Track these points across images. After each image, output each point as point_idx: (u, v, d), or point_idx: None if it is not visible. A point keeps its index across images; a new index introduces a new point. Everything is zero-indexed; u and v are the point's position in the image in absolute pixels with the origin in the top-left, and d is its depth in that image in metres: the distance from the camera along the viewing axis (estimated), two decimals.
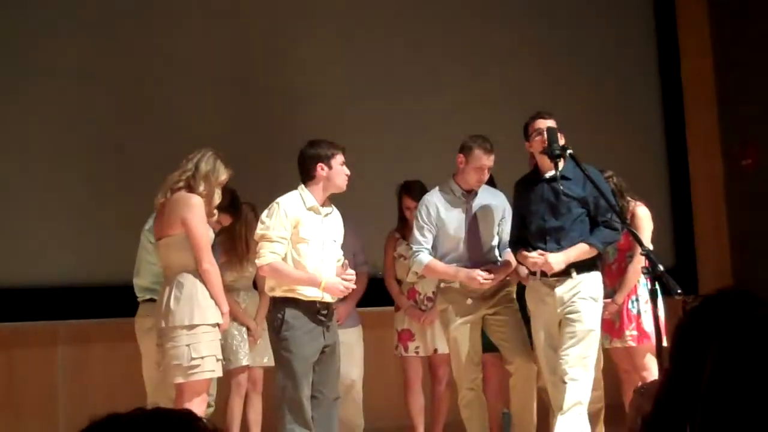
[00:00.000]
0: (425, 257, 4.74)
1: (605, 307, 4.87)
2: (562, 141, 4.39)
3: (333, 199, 4.48)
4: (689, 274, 7.23)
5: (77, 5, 6.03)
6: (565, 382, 4.32)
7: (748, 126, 7.56)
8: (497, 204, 4.84)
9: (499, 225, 4.83)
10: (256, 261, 4.36)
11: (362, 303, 5.32)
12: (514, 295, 4.90)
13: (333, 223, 4.45)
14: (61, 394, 5.71)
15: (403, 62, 6.75)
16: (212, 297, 4.10)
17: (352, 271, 4.42)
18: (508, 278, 4.86)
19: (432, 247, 4.78)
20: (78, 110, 5.90)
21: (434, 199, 4.83)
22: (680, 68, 7.77)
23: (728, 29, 7.77)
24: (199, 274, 4.09)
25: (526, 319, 4.89)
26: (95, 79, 5.95)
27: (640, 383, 4.68)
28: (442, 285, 4.88)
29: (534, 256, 4.41)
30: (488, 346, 5.13)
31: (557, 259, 4.39)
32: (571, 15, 7.40)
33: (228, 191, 4.53)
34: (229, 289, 4.79)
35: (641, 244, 3.92)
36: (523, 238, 4.59)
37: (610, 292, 4.89)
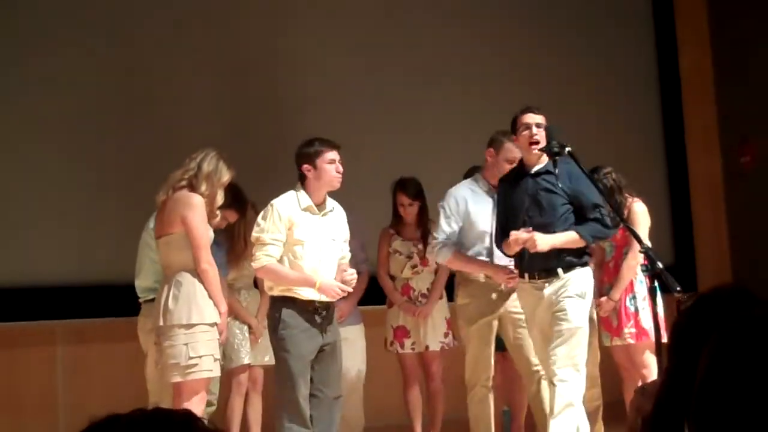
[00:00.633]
0: (450, 248, 4.73)
1: (602, 304, 4.87)
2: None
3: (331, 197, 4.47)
4: (688, 272, 7.23)
5: (77, 5, 6.03)
6: (554, 384, 4.22)
7: (747, 123, 7.56)
8: None
9: None
10: (252, 264, 4.37)
11: (362, 301, 5.32)
12: None
13: (333, 222, 4.43)
14: (60, 393, 5.71)
15: (401, 61, 6.75)
16: (210, 296, 4.10)
17: (353, 270, 4.40)
18: None
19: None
20: (77, 109, 5.90)
21: (462, 192, 4.82)
22: (678, 65, 7.78)
23: (727, 26, 7.77)
24: (198, 273, 4.09)
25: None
26: (95, 78, 5.95)
27: (641, 382, 4.69)
28: (464, 278, 4.87)
29: (519, 232, 4.29)
30: None
31: (543, 239, 4.27)
32: (568, 12, 7.39)
33: (233, 188, 4.53)
34: (229, 288, 4.79)
35: (640, 242, 3.91)
36: (507, 235, 4.45)
37: (608, 289, 4.89)
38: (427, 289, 5.22)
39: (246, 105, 6.35)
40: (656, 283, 3.66)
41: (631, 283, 4.86)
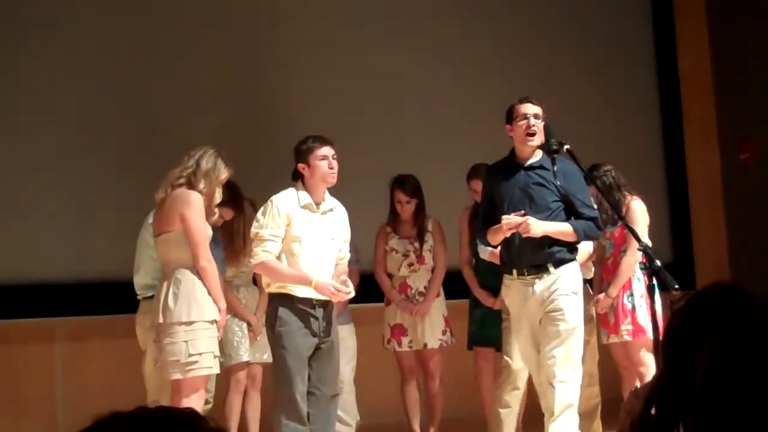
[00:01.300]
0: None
1: (600, 301, 4.88)
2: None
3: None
4: (687, 270, 7.23)
5: (78, 5, 6.02)
6: (553, 386, 4.14)
7: (745, 121, 7.57)
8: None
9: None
10: (250, 260, 4.37)
11: (360, 299, 5.31)
12: None
13: (333, 221, 4.42)
14: (59, 390, 5.71)
15: (400, 61, 6.75)
16: (210, 294, 4.10)
17: (348, 281, 4.37)
18: None
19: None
20: (77, 107, 5.89)
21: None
22: (677, 62, 7.78)
23: (726, 23, 7.77)
24: (196, 270, 4.09)
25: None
26: (95, 78, 5.94)
27: (637, 383, 4.69)
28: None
29: (511, 216, 4.15)
30: (483, 340, 5.14)
31: (537, 224, 4.15)
32: (568, 11, 7.39)
33: (229, 185, 4.53)
34: (228, 285, 4.79)
35: (638, 240, 3.90)
36: (491, 225, 4.33)
37: (607, 286, 4.90)
38: (425, 286, 5.22)
39: (245, 103, 6.35)
40: (654, 281, 3.65)
41: (630, 281, 4.86)
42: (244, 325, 5.00)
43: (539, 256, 4.23)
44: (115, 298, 5.16)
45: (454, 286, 5.33)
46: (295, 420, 4.16)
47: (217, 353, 4.17)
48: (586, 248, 4.69)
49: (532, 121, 4.28)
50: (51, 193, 5.77)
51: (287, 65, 6.48)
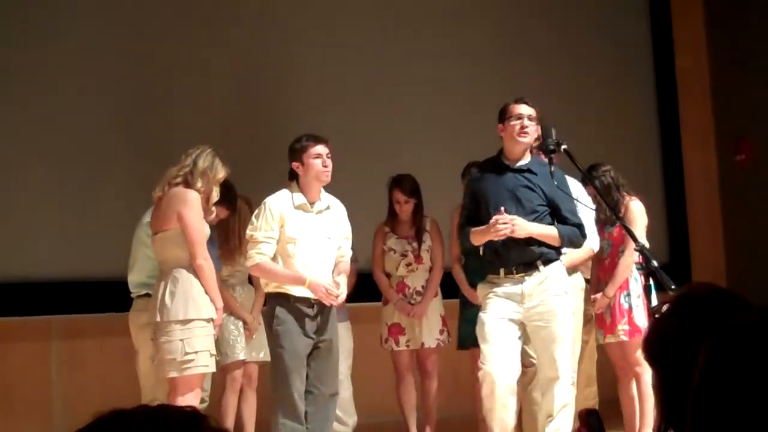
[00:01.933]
0: None
1: (597, 301, 4.88)
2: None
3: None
4: (683, 270, 7.24)
5: (78, 5, 6.01)
6: (551, 386, 4.17)
7: (742, 122, 7.58)
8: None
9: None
10: (246, 263, 4.38)
11: (357, 298, 5.31)
12: None
13: (329, 220, 4.42)
14: (54, 388, 5.69)
15: (398, 60, 6.75)
16: (207, 292, 4.10)
17: (341, 283, 4.36)
18: None
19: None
20: (76, 106, 5.88)
21: None
22: (675, 63, 7.78)
23: (723, 23, 7.78)
24: (193, 269, 4.09)
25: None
26: (94, 77, 5.93)
27: (635, 381, 4.69)
28: None
29: (504, 216, 4.11)
30: (474, 341, 5.13)
31: (523, 224, 4.13)
32: (566, 11, 7.39)
33: (224, 184, 4.52)
34: (223, 284, 4.79)
35: (635, 240, 3.91)
36: (474, 225, 4.31)
37: (604, 286, 4.90)
38: (422, 286, 5.22)
39: (244, 103, 6.34)
40: (651, 281, 3.66)
41: (627, 281, 4.86)
42: (240, 323, 4.99)
43: (528, 254, 4.21)
44: (112, 296, 5.14)
45: (450, 285, 5.33)
46: (292, 419, 4.16)
47: (214, 351, 4.17)
48: (589, 245, 4.68)
49: (526, 122, 4.24)
50: (46, 192, 5.75)
51: (286, 65, 6.47)
